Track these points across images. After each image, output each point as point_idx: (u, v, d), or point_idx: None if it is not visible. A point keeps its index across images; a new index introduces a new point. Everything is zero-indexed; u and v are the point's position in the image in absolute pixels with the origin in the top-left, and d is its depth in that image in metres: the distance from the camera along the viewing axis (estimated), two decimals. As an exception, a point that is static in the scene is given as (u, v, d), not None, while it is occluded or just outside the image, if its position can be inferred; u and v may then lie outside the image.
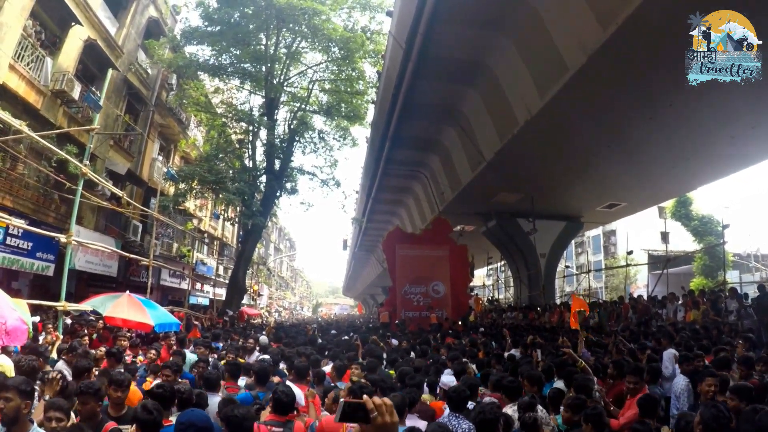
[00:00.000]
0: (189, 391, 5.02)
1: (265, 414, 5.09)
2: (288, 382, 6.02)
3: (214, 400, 5.49)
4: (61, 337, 8.65)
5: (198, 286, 32.61)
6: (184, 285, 27.44)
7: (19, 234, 14.70)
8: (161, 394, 4.59)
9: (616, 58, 10.71)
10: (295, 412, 4.98)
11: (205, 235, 35.14)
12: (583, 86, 11.84)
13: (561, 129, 14.67)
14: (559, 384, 6.67)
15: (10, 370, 5.61)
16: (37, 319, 11.58)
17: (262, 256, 54.86)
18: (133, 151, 23.09)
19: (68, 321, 11.54)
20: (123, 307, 9.56)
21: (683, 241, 37.68)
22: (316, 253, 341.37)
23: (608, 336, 12.40)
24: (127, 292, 10.57)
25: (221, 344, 11.29)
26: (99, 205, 17.63)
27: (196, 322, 16.19)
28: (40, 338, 8.98)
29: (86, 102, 17.31)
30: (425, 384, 6.65)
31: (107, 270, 20.08)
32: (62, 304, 9.36)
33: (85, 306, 10.88)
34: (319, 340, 12.49)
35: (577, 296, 11.77)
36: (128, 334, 9.71)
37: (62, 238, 10.18)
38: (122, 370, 4.86)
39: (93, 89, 18.12)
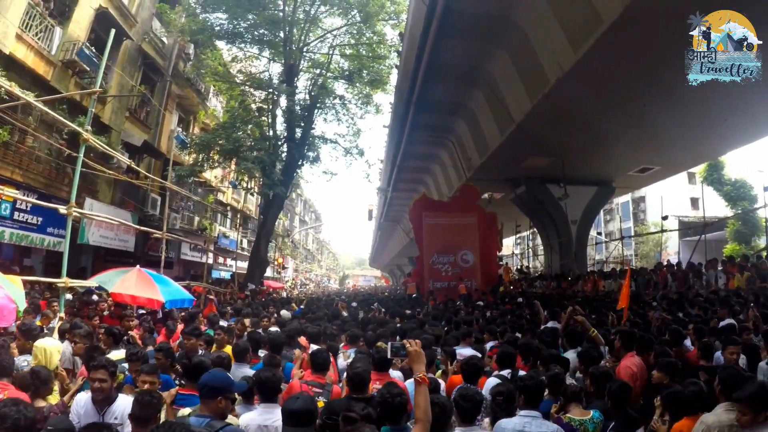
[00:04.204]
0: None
1: (299, 374, 5.44)
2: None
3: (242, 371, 5.55)
4: (64, 316, 8.13)
5: (221, 259, 32.39)
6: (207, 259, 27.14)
7: (28, 209, 14.28)
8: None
9: (655, 7, 9.82)
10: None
11: (228, 207, 34.77)
12: (619, 38, 10.98)
13: (595, 86, 13.77)
14: (571, 354, 6.46)
15: (57, 352, 5.70)
16: (69, 296, 11.16)
17: (287, 228, 54.70)
18: (150, 122, 22.67)
19: (69, 297, 11.09)
20: (131, 283, 8.98)
21: (714, 207, 36.46)
22: (342, 224, 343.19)
23: (648, 306, 11.65)
24: (137, 266, 10.02)
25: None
26: (112, 176, 17.11)
27: (212, 297, 15.66)
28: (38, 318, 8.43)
29: (79, 57, 16.50)
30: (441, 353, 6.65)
31: (124, 245, 19.74)
32: (64, 281, 8.77)
33: (91, 282, 10.36)
34: (344, 313, 12.21)
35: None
36: (136, 313, 9.15)
37: (62, 209, 9.56)
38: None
39: (87, 45, 17.26)
